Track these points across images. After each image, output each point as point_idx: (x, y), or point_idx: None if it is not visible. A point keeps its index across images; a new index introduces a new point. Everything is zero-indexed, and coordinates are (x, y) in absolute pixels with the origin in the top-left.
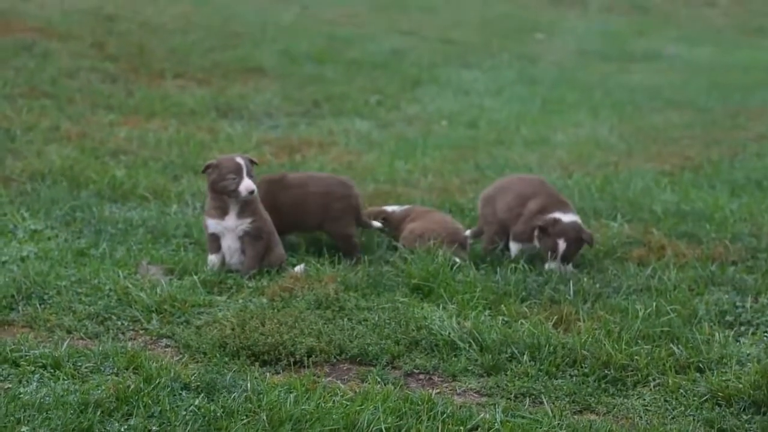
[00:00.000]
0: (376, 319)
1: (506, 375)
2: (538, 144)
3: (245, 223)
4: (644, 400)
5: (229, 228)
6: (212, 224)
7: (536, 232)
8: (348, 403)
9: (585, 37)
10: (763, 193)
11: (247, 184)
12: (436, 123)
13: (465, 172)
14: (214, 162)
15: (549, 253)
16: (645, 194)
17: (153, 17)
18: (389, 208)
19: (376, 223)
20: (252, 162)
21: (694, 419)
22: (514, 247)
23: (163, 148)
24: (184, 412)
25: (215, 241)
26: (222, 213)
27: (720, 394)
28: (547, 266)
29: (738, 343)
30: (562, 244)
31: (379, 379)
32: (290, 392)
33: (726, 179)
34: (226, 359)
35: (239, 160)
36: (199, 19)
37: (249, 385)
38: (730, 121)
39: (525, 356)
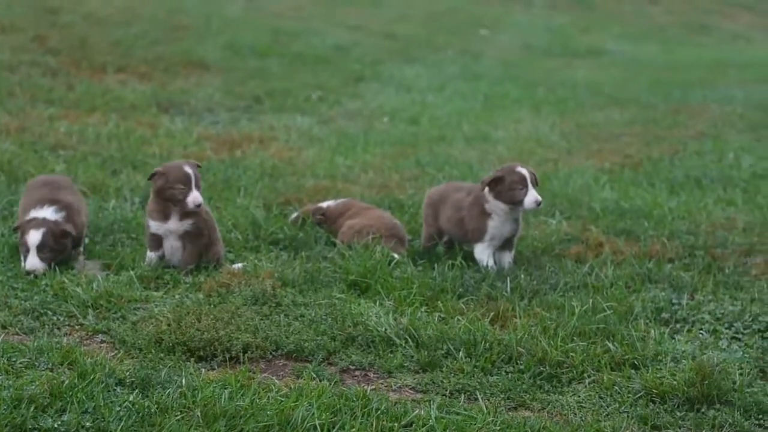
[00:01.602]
0: (313, 315)
1: (442, 371)
2: (479, 140)
3: (187, 224)
4: (579, 396)
5: (171, 230)
6: (154, 226)
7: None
8: (282, 399)
9: (529, 33)
10: (701, 191)
11: (194, 197)
12: (377, 119)
13: (405, 169)
14: (161, 170)
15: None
16: (584, 192)
17: (97, 9)
18: (325, 204)
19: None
20: (198, 166)
21: (628, 416)
22: (482, 253)
23: (103, 143)
24: (118, 408)
25: (156, 240)
26: (164, 217)
27: (654, 391)
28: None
29: (673, 340)
30: None
31: (314, 376)
32: (225, 388)
33: (665, 177)
34: (162, 355)
35: (188, 169)
36: (144, 11)
37: (184, 380)
38: (671, 119)
39: (461, 353)
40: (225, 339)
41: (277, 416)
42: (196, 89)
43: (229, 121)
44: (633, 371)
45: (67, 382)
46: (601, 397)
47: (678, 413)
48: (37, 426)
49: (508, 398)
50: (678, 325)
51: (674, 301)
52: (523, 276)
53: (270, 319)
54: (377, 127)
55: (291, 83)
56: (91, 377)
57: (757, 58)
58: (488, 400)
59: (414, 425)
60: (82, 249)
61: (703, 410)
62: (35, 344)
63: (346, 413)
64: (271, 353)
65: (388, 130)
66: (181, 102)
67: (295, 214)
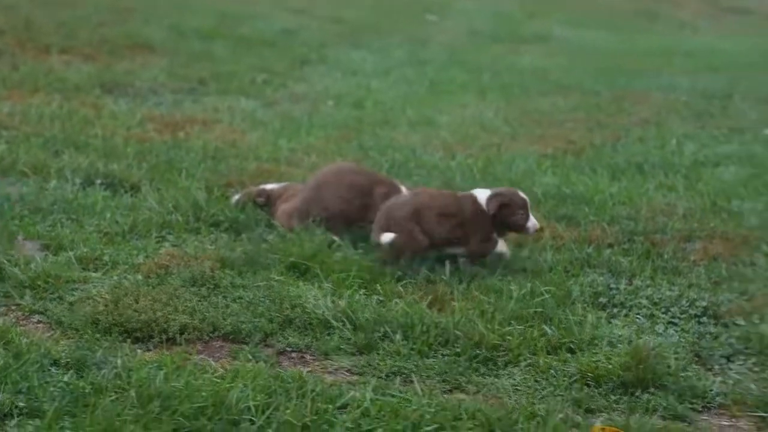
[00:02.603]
0: (251, 297)
1: (378, 354)
2: (423, 125)
3: None
4: (514, 379)
5: None
6: None
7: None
8: (218, 381)
9: (477, 19)
10: (643, 177)
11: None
12: (322, 103)
13: (348, 152)
14: None
15: None
16: (526, 176)
17: None
18: (268, 186)
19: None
20: None
21: (562, 399)
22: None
23: (46, 124)
24: (53, 389)
25: None
26: None
27: (590, 374)
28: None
29: (610, 325)
30: None
31: (250, 357)
32: (161, 369)
33: (607, 163)
34: (98, 336)
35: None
36: None
37: (119, 361)
38: (616, 106)
39: (398, 335)
40: (162, 320)
41: (212, 397)
42: (141, 71)
43: (173, 103)
44: (569, 355)
45: (1, 362)
46: (536, 381)
47: (612, 397)
48: None
49: (443, 381)
50: (615, 310)
51: (612, 285)
52: (462, 260)
53: (208, 301)
54: (322, 110)
55: (236, 66)
56: (26, 357)
57: (702, 47)
58: (424, 382)
59: (349, 407)
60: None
61: (637, 394)
62: None
63: (281, 395)
64: (208, 335)
65: (333, 113)
66: (126, 83)
67: (237, 196)
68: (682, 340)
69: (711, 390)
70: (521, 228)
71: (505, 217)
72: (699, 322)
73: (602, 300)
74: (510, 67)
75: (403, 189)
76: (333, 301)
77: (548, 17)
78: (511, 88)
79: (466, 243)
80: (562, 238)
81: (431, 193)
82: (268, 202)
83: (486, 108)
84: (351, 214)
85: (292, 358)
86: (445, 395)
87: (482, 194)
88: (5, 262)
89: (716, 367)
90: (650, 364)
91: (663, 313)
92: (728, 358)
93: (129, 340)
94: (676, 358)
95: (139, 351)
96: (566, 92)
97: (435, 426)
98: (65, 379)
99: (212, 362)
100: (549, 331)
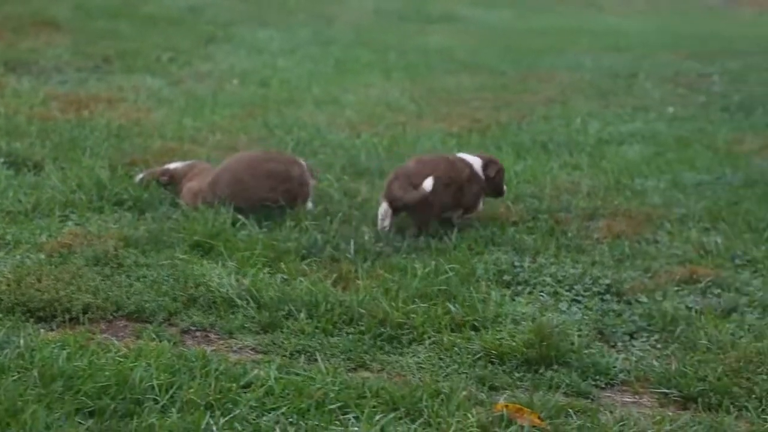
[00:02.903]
0: (155, 276)
1: (282, 332)
2: (328, 104)
3: None
4: (419, 357)
5: None
6: None
7: None
8: (121, 360)
9: None
10: (547, 156)
11: None
12: (227, 81)
13: (253, 130)
14: None
15: None
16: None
17: None
18: (172, 165)
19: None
20: None
21: (467, 376)
22: None
23: None
24: None
25: None
26: None
27: (494, 352)
28: None
29: (514, 302)
30: None
31: (154, 336)
32: (64, 349)
33: (512, 141)
34: (1, 315)
35: None
36: None
37: (22, 341)
38: (521, 85)
39: (302, 314)
40: (65, 299)
41: (115, 377)
42: (45, 49)
43: (77, 81)
44: (473, 333)
45: None
46: (440, 358)
47: (516, 374)
48: None
49: (348, 359)
50: (519, 288)
51: (516, 263)
52: (367, 238)
53: (111, 280)
54: (227, 89)
55: (141, 44)
56: None
57: (607, 26)
58: (328, 361)
59: (253, 386)
60: None
61: (541, 371)
62: None
63: (184, 374)
64: (111, 314)
65: (238, 92)
66: (30, 61)
67: (140, 175)
68: (586, 317)
69: (614, 367)
70: (502, 192)
71: (499, 181)
72: (602, 300)
73: (506, 278)
74: (416, 47)
75: (305, 165)
76: (237, 280)
77: None
78: (417, 68)
79: (460, 206)
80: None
81: (432, 159)
82: (171, 181)
83: (392, 87)
84: (276, 200)
85: (196, 337)
86: (349, 373)
87: (472, 159)
88: None
89: (619, 344)
90: (554, 342)
91: (567, 290)
92: (631, 336)
93: (32, 320)
94: (579, 336)
95: (42, 331)
96: (472, 71)
97: (339, 404)
98: None
99: (116, 341)
100: (453, 309)
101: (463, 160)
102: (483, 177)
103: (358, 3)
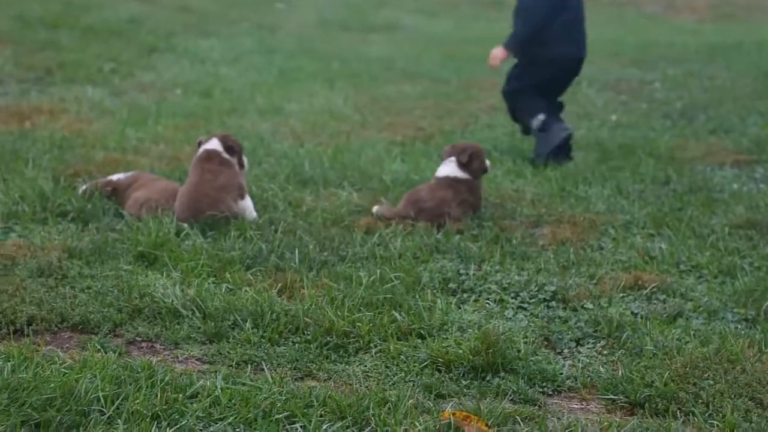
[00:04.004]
0: (99, 287)
1: (228, 342)
2: (272, 113)
3: None
4: (365, 366)
5: None
6: None
7: None
8: (66, 372)
9: (326, 8)
10: (491, 163)
11: None
12: (170, 91)
13: (196, 141)
14: None
15: None
16: (375, 164)
17: None
18: (115, 177)
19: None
20: None
21: (413, 385)
22: None
23: None
24: None
25: None
26: None
27: (440, 360)
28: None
29: (460, 310)
30: None
31: (99, 347)
32: (8, 361)
33: None
34: None
35: None
36: None
37: None
38: (464, 93)
39: (248, 323)
40: (9, 312)
41: (61, 388)
42: None
43: (18, 93)
44: (419, 341)
45: None
46: (387, 367)
47: (463, 381)
48: None
49: (294, 368)
50: (465, 295)
51: (462, 271)
52: (311, 247)
53: (56, 291)
54: (170, 99)
55: (83, 55)
56: None
57: None
58: (275, 370)
59: (199, 396)
60: None
61: (488, 378)
62: None
63: (130, 385)
64: (56, 325)
65: (181, 102)
66: None
67: (84, 186)
68: (532, 324)
69: (561, 373)
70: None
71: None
72: (548, 307)
73: (452, 286)
74: (359, 56)
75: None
76: (182, 290)
77: (396, 7)
78: (359, 77)
79: None
80: (411, 225)
81: None
82: (114, 193)
83: (335, 96)
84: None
85: (142, 347)
86: (296, 383)
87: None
88: None
89: (566, 350)
90: (500, 349)
91: (512, 297)
92: (577, 342)
93: None
94: (525, 343)
95: None
96: (414, 80)
97: (286, 413)
98: None
99: (60, 353)
100: (399, 317)
101: None
102: None
103: (301, 12)
